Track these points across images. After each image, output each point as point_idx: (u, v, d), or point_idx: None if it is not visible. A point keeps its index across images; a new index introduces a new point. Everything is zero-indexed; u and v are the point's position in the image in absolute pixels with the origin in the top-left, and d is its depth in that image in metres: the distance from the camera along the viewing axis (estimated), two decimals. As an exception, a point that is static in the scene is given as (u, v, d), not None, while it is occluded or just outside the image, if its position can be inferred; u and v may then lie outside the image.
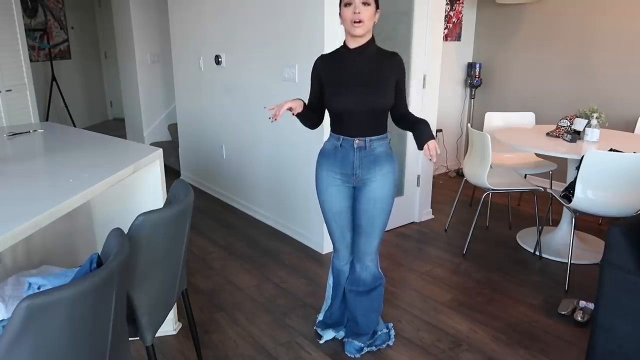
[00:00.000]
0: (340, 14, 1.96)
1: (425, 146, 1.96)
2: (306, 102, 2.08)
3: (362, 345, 2.30)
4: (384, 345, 2.35)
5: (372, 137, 2.06)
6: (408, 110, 2.15)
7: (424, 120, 2.05)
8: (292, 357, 2.28)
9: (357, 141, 2.06)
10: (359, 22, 1.90)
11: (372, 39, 2.02)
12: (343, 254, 2.27)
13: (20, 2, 4.37)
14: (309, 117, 2.11)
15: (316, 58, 2.13)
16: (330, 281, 2.37)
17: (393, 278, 3.00)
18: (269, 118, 1.98)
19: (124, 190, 2.34)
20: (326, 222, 2.23)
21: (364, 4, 1.89)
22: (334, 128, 2.12)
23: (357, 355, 2.28)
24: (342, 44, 2.06)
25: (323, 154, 2.17)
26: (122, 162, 1.95)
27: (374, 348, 2.33)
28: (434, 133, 3.81)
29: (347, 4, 1.91)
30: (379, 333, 2.36)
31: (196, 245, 3.51)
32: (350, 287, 2.28)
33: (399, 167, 3.64)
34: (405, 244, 3.49)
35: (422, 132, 2.00)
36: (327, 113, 2.16)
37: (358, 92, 2.00)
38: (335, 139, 2.11)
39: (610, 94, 4.15)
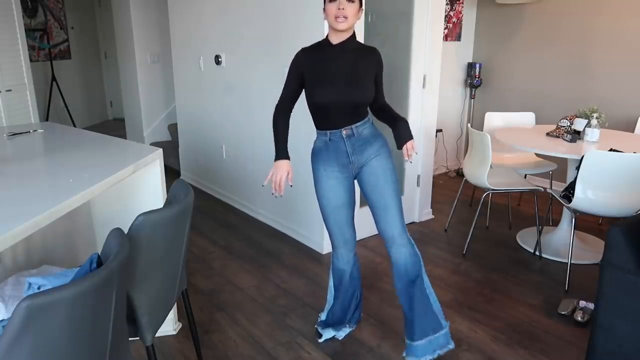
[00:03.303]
0: (324, 9, 2.00)
1: (404, 146, 2.05)
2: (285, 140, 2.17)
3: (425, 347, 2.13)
4: (445, 350, 2.18)
5: (357, 124, 2.11)
6: (385, 101, 2.23)
7: (404, 118, 2.12)
8: (292, 357, 2.28)
9: (344, 131, 2.10)
10: (344, 17, 1.94)
11: (354, 35, 2.08)
12: (342, 252, 2.26)
13: (20, 2, 4.37)
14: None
15: (297, 51, 2.13)
16: (330, 282, 2.37)
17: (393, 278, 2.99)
18: (272, 194, 2.09)
19: (124, 190, 2.34)
20: (325, 219, 2.22)
21: (349, 0, 1.94)
22: (320, 125, 2.15)
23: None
24: (325, 38, 2.09)
25: (316, 153, 2.19)
26: (122, 162, 1.95)
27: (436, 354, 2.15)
28: (434, 133, 3.82)
29: (332, 0, 1.95)
30: (441, 332, 2.16)
31: (196, 245, 3.51)
32: (398, 281, 2.15)
33: (399, 167, 3.65)
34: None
35: (401, 132, 2.08)
36: (307, 112, 2.16)
37: (341, 86, 2.04)
38: (323, 134, 2.15)
39: (610, 94, 4.15)
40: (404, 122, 2.10)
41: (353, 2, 1.95)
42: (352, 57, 2.07)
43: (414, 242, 2.15)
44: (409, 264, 2.12)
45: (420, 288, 2.13)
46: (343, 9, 1.93)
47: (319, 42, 2.12)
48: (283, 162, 2.12)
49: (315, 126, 2.18)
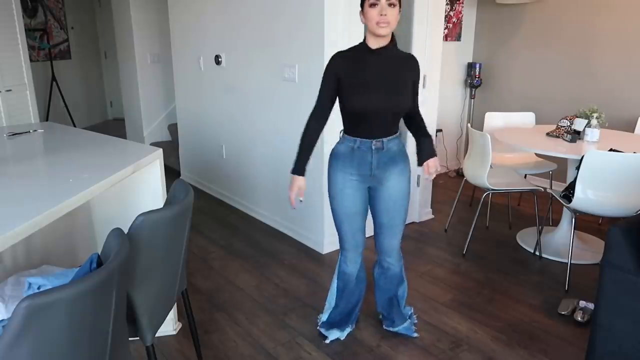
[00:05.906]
0: (362, 12, 1.92)
1: (425, 164, 2.10)
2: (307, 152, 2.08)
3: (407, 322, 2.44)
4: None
5: (388, 137, 2.06)
6: (419, 111, 2.19)
7: (430, 135, 2.14)
8: (292, 357, 2.28)
9: (375, 143, 2.04)
10: (386, 23, 1.88)
11: (393, 40, 2.01)
12: (351, 256, 2.25)
13: (20, 2, 4.37)
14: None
15: (332, 55, 2.03)
16: (334, 285, 2.35)
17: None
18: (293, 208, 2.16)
19: (124, 190, 2.33)
20: (337, 225, 2.19)
21: (390, 5, 1.87)
22: (350, 130, 2.07)
23: (414, 335, 2.42)
24: (362, 42, 2.01)
25: (337, 156, 2.11)
26: (122, 162, 1.95)
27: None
28: (434, 133, 3.82)
29: (373, 5, 1.87)
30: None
31: (196, 245, 3.51)
32: (385, 283, 2.36)
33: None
34: (405, 244, 3.48)
35: (425, 148, 2.11)
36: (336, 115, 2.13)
37: (381, 94, 1.97)
38: (351, 141, 2.07)
39: (610, 94, 4.15)
40: (429, 139, 2.12)
41: (394, 6, 1.88)
42: (393, 65, 2.00)
43: (402, 259, 2.37)
44: (397, 275, 2.34)
45: (402, 291, 2.39)
46: (385, 14, 1.86)
47: (355, 47, 2.02)
48: (299, 179, 2.08)
49: (345, 131, 2.10)
